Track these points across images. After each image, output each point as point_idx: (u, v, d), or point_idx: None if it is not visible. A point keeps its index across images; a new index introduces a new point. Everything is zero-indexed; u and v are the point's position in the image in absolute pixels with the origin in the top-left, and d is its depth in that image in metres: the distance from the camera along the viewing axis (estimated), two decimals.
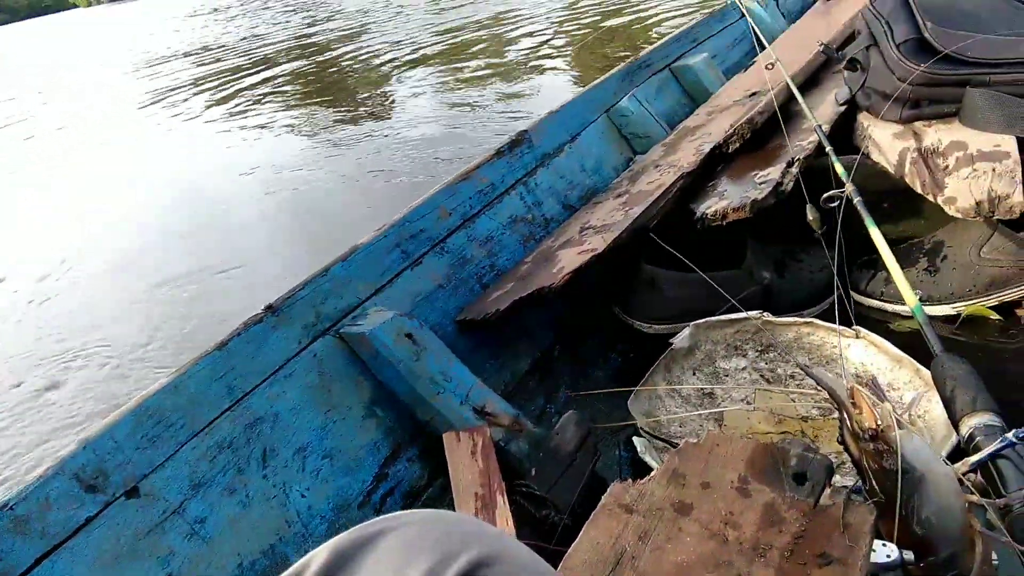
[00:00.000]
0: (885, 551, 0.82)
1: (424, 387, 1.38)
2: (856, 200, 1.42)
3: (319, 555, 0.43)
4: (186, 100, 6.76)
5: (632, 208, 1.70)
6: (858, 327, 1.42)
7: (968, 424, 0.96)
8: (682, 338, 1.54)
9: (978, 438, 0.93)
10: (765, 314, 1.52)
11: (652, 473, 0.93)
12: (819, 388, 0.98)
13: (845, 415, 0.87)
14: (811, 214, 1.53)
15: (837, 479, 1.05)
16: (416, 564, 0.41)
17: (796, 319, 1.52)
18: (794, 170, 1.61)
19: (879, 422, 0.82)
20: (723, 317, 1.55)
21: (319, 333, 1.44)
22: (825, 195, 1.47)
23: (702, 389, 1.50)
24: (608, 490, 0.91)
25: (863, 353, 1.41)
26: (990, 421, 0.94)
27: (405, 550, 0.42)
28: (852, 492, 0.87)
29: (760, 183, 1.63)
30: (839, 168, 1.50)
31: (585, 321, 1.81)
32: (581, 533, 0.85)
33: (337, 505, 1.33)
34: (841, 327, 1.42)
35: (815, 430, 1.35)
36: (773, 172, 1.64)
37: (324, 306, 1.47)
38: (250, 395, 1.31)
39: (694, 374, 1.54)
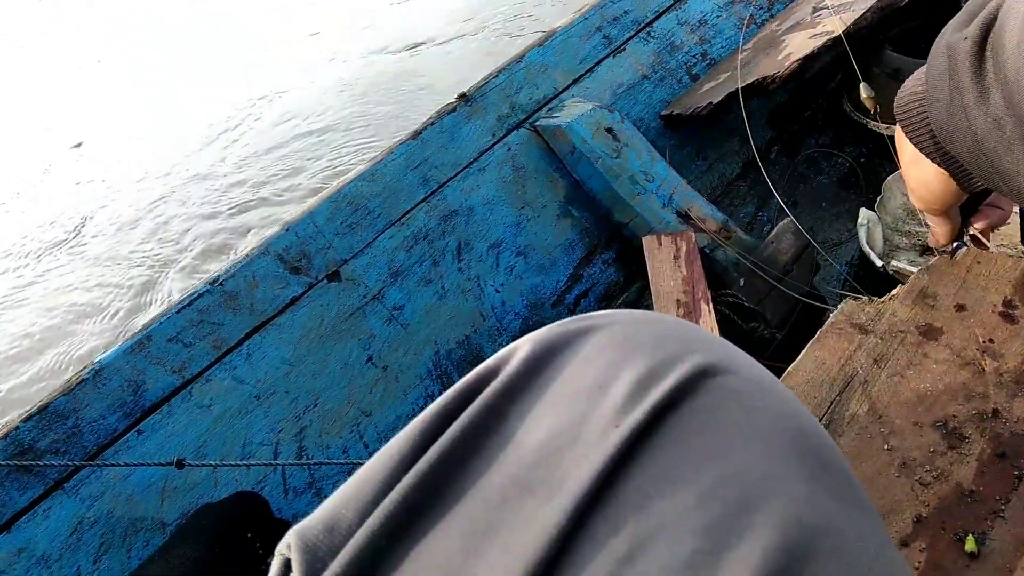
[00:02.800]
0: None
1: (623, 187, 1.28)
2: None
3: (523, 346, 0.37)
4: None
5: None
6: None
7: None
8: None
9: None
10: None
11: (894, 291, 0.80)
12: None
13: None
14: (864, 92, 1.27)
15: None
16: (633, 363, 0.34)
17: None
18: None
19: None
20: None
21: (513, 125, 1.36)
22: None
23: None
24: (839, 307, 0.79)
25: None
26: None
27: (621, 347, 0.36)
28: None
29: None
30: None
31: (810, 119, 1.60)
32: (805, 350, 0.75)
33: (531, 303, 1.31)
34: None
35: None
36: None
37: (519, 96, 1.38)
38: (444, 187, 1.29)
39: None
